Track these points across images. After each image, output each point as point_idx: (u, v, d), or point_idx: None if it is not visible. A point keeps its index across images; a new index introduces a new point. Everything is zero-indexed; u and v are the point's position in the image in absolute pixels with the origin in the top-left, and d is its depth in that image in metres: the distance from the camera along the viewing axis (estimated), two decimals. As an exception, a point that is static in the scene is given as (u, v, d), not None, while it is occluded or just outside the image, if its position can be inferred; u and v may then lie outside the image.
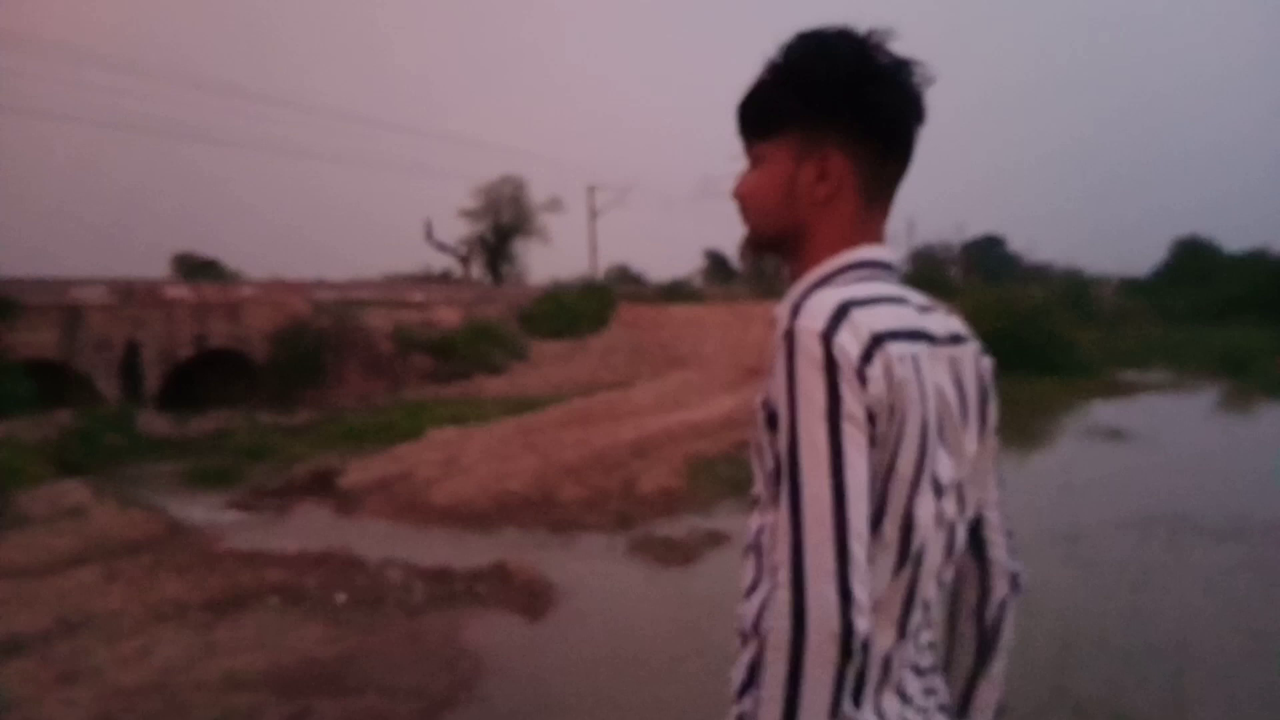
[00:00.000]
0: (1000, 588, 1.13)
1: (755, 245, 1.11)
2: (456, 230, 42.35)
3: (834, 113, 1.01)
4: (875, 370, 0.88)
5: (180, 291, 18.69)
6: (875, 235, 1.05)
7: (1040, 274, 44.95)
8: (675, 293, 35.52)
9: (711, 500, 7.97)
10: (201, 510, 8.54)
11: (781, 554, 0.87)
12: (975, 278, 38.98)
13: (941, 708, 1.06)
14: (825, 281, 1.01)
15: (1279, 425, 12.58)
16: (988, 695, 1.14)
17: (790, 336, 0.89)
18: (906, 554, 0.95)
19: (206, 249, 41.46)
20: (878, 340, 0.89)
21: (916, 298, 1.02)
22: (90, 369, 15.74)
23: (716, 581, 5.62)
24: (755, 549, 1.03)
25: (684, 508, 7.73)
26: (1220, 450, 10.22)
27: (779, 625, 0.85)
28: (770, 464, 0.96)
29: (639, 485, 8.28)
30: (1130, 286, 39.07)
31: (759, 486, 1.02)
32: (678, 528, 7.04)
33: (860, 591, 0.84)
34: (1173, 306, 31.00)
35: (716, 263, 55.93)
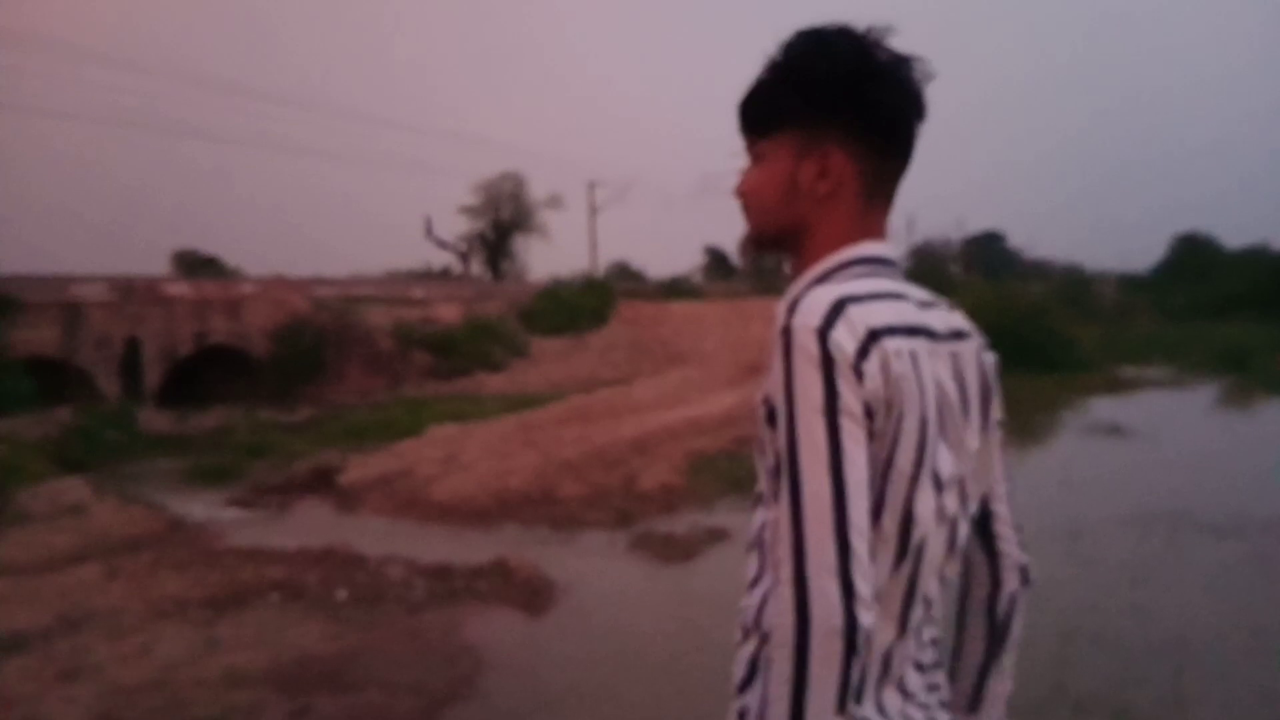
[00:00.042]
0: (1011, 581, 1.13)
1: (757, 242, 1.12)
2: (456, 227, 42.37)
3: (834, 110, 1.01)
4: (871, 365, 0.88)
5: (180, 288, 18.70)
6: (876, 232, 1.05)
7: (1040, 270, 44.94)
8: (675, 289, 35.51)
9: (712, 497, 7.97)
10: (202, 507, 8.55)
11: (783, 550, 0.87)
12: (975, 274, 38.94)
13: (944, 704, 1.07)
14: (825, 278, 1.01)
15: (1278, 422, 12.57)
16: (998, 688, 1.15)
17: (787, 333, 0.89)
18: (906, 549, 0.95)
19: (207, 246, 41.61)
20: (874, 336, 0.89)
21: (918, 293, 1.02)
22: (91, 366, 15.75)
23: (717, 578, 5.63)
24: (758, 545, 1.04)
25: (684, 504, 7.73)
26: (1220, 446, 10.22)
27: (782, 622, 0.85)
28: (771, 460, 0.96)
29: (639, 482, 8.28)
30: (1130, 283, 39.02)
31: (762, 483, 1.03)
32: (678, 524, 7.04)
33: (862, 585, 0.84)
34: (1173, 303, 30.97)
35: (716, 259, 55.92)
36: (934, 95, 1.04)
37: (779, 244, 1.09)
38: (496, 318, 24.56)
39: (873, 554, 0.88)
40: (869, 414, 0.88)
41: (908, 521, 0.94)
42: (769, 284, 35.58)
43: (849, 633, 0.82)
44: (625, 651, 4.59)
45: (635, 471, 8.61)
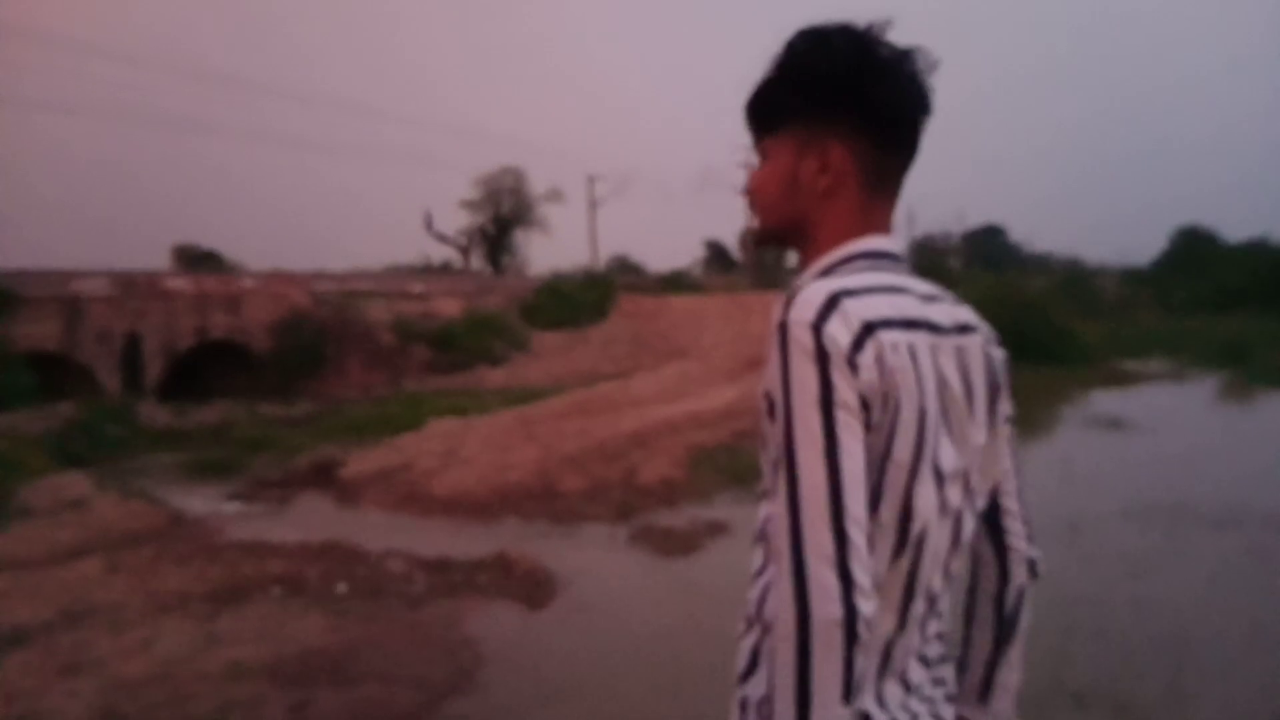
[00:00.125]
0: (1019, 575, 1.14)
1: (765, 238, 1.14)
2: (456, 221, 42.46)
3: (833, 107, 1.03)
4: (866, 358, 0.89)
5: (181, 283, 18.66)
6: (880, 226, 1.06)
7: (1041, 264, 44.90)
8: (675, 283, 35.42)
9: (712, 490, 7.98)
10: (203, 502, 8.56)
11: (782, 542, 0.88)
12: (976, 268, 38.88)
13: (950, 698, 1.07)
14: (828, 272, 1.02)
15: (1278, 415, 12.58)
16: (1007, 679, 1.16)
17: (783, 327, 0.91)
18: (905, 540, 0.95)
19: (207, 240, 41.53)
20: (869, 329, 0.90)
21: (921, 287, 1.02)
22: (91, 361, 15.74)
23: (717, 571, 5.64)
24: (763, 538, 1.05)
25: (685, 498, 7.74)
26: (1220, 440, 10.22)
27: (783, 614, 0.86)
28: (774, 454, 0.97)
29: (640, 475, 8.29)
30: (1131, 276, 38.94)
31: (767, 476, 1.03)
32: (678, 518, 7.05)
33: (861, 575, 0.85)
34: (1173, 296, 30.92)
35: (716, 253, 55.87)
36: (935, 88, 1.05)
37: (785, 239, 1.11)
38: (497, 312, 24.55)
39: (871, 545, 0.89)
40: (865, 406, 0.89)
41: (907, 513, 0.94)
42: (769, 278, 35.55)
43: (849, 622, 0.83)
44: (625, 644, 4.60)
45: (635, 465, 8.62)
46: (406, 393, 17.63)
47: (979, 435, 1.03)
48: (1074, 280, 32.39)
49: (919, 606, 0.99)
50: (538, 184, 42.43)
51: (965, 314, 1.06)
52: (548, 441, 9.61)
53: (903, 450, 0.92)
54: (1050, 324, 18.53)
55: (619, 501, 7.61)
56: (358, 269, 31.24)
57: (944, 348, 0.99)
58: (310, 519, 7.72)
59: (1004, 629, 1.15)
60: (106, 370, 15.93)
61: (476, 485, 8.11)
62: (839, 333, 0.89)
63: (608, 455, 9.00)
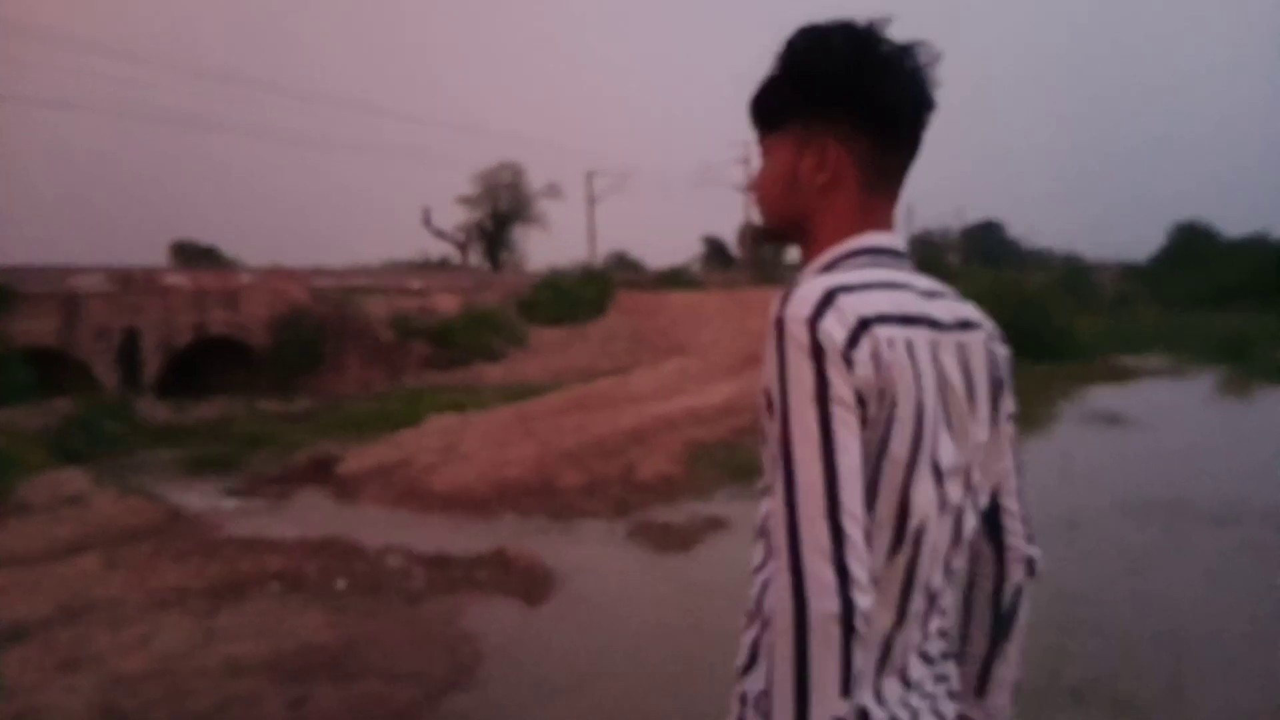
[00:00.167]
0: (1016, 573, 1.15)
1: (768, 235, 1.14)
2: (455, 217, 42.48)
3: (831, 104, 1.03)
4: (862, 354, 0.89)
5: (179, 279, 18.64)
6: (880, 222, 1.06)
7: (1039, 259, 44.97)
8: (674, 279, 35.43)
9: (710, 486, 7.98)
10: (201, 498, 8.56)
11: (779, 537, 0.88)
12: (974, 263, 38.90)
13: (952, 694, 1.07)
14: (828, 269, 1.03)
15: (1277, 411, 12.59)
16: (1004, 675, 1.17)
17: (779, 324, 0.91)
18: (902, 536, 0.95)
19: (205, 236, 41.59)
20: (865, 324, 0.90)
21: (923, 283, 1.02)
22: (89, 357, 15.72)
23: (715, 567, 5.63)
24: (764, 533, 1.06)
25: (683, 494, 7.74)
26: (1219, 436, 10.23)
27: (781, 609, 0.86)
28: (772, 449, 0.97)
29: (638, 471, 8.29)
30: (1129, 272, 38.97)
31: (767, 472, 1.03)
32: (677, 514, 7.05)
33: (858, 569, 0.85)
34: (1172, 292, 30.92)
35: (715, 249, 55.87)
36: (938, 81, 1.04)
37: (787, 236, 1.11)
38: (495, 308, 24.54)
39: (868, 539, 0.89)
40: (861, 401, 0.89)
41: (904, 508, 0.94)
42: (767, 274, 35.60)
43: (846, 616, 0.83)
44: (624, 640, 4.60)
45: (634, 461, 8.62)
46: (405, 389, 17.62)
47: (981, 432, 1.03)
48: (1073, 276, 32.46)
49: (918, 602, 0.99)
50: (536, 180, 42.60)
51: (968, 310, 1.06)
52: (546, 437, 9.61)
53: (900, 446, 0.92)
54: (1049, 320, 18.53)
55: (617, 497, 7.61)
56: (356, 265, 31.28)
57: (945, 344, 0.99)
58: (309, 515, 7.71)
59: (1000, 626, 1.15)
60: (105, 366, 15.91)
61: (475, 481, 8.11)
62: (834, 328, 0.89)
63: (606, 451, 9.00)
